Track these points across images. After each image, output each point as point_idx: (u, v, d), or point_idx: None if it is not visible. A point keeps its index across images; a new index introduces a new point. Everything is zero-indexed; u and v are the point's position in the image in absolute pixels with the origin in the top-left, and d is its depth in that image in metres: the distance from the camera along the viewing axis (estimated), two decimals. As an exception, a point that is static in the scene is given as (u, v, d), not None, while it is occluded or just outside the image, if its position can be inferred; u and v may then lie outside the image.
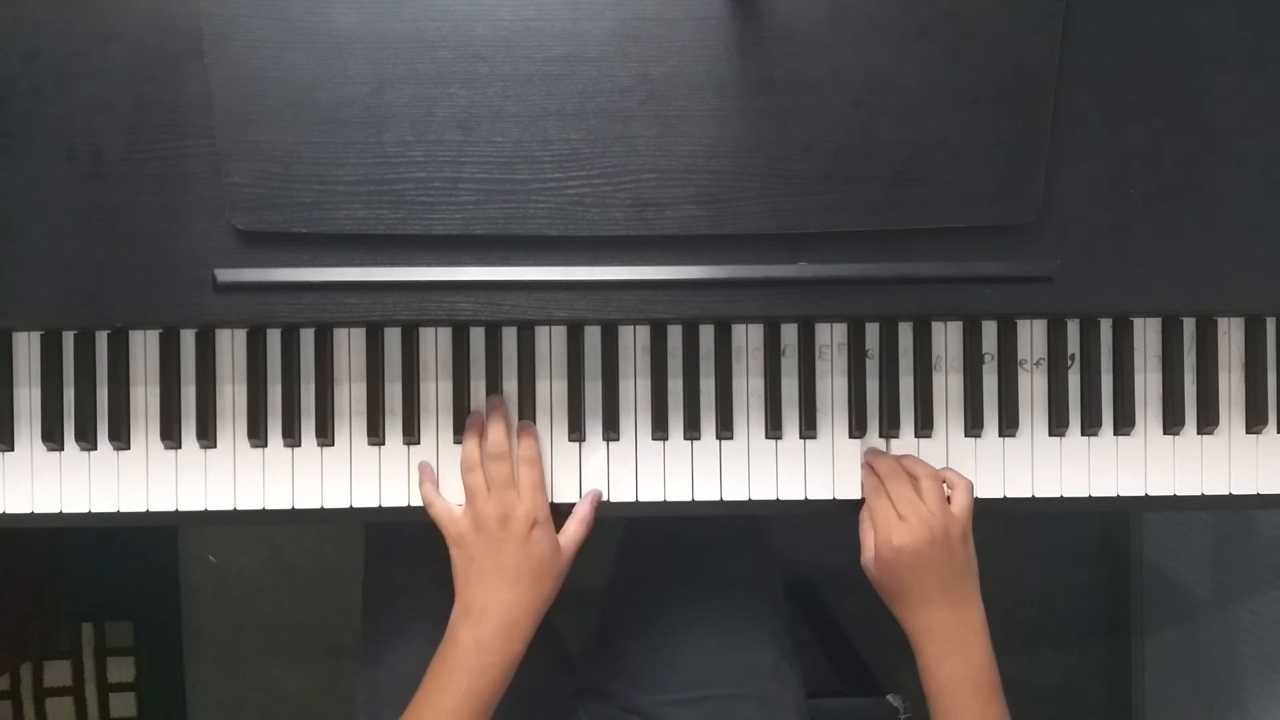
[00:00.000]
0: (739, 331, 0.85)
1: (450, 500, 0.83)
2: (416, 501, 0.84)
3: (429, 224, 0.79)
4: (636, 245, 0.80)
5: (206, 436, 0.84)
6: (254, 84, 0.77)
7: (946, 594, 0.79)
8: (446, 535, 0.81)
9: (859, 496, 0.85)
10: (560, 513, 0.84)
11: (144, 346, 0.85)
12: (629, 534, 1.06)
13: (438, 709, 0.77)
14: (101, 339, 0.85)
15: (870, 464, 0.83)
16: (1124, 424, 0.85)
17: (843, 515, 0.84)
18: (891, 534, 0.79)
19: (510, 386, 0.85)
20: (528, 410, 0.84)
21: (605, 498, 0.85)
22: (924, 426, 0.84)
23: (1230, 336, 0.87)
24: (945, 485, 0.82)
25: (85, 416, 0.84)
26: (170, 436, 0.84)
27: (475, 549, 0.79)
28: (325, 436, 0.84)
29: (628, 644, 0.96)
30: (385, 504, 0.85)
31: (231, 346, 0.85)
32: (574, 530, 0.82)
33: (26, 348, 0.85)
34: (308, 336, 0.85)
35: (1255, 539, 1.22)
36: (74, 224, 0.79)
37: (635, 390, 0.85)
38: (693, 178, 0.78)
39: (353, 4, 0.77)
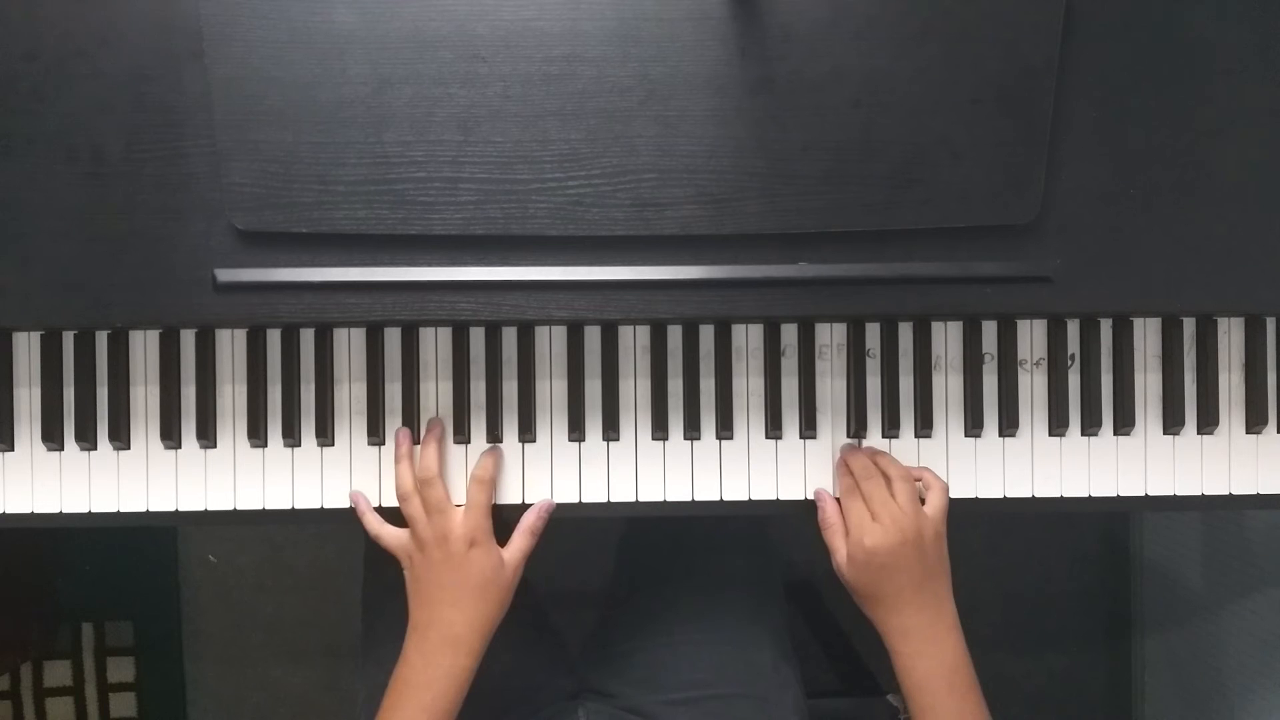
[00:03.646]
0: (739, 331, 0.85)
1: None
2: (416, 501, 0.84)
3: (429, 224, 0.79)
4: (636, 245, 0.80)
5: (206, 436, 0.84)
6: (254, 84, 0.77)
7: (919, 594, 0.79)
8: (399, 558, 0.83)
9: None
10: (560, 513, 0.85)
11: (144, 346, 0.85)
12: (629, 534, 1.06)
13: None
14: (101, 339, 0.85)
15: (845, 461, 0.83)
16: (1124, 424, 0.85)
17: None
18: (864, 535, 0.79)
19: (510, 386, 0.85)
20: (527, 410, 0.84)
21: (606, 498, 0.85)
22: (924, 426, 0.84)
23: (1230, 336, 0.87)
24: (921, 485, 0.82)
25: (85, 416, 0.84)
26: (170, 436, 0.84)
27: (419, 570, 0.81)
28: (325, 436, 0.84)
29: (628, 644, 0.96)
30: (385, 504, 0.85)
31: (231, 346, 0.85)
32: (519, 543, 0.83)
33: (26, 348, 0.85)
34: (308, 336, 0.85)
35: (1254, 539, 1.22)
36: (74, 224, 0.79)
37: (635, 390, 0.85)
38: (693, 178, 0.78)
39: (353, 4, 0.77)
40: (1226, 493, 0.86)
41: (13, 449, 0.85)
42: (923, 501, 0.81)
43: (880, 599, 0.80)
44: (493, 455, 0.83)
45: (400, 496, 0.82)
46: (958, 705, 0.79)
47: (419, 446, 0.83)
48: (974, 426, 0.85)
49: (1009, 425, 0.85)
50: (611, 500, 0.85)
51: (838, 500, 0.83)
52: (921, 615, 0.79)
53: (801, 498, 0.85)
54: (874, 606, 0.81)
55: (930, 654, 0.79)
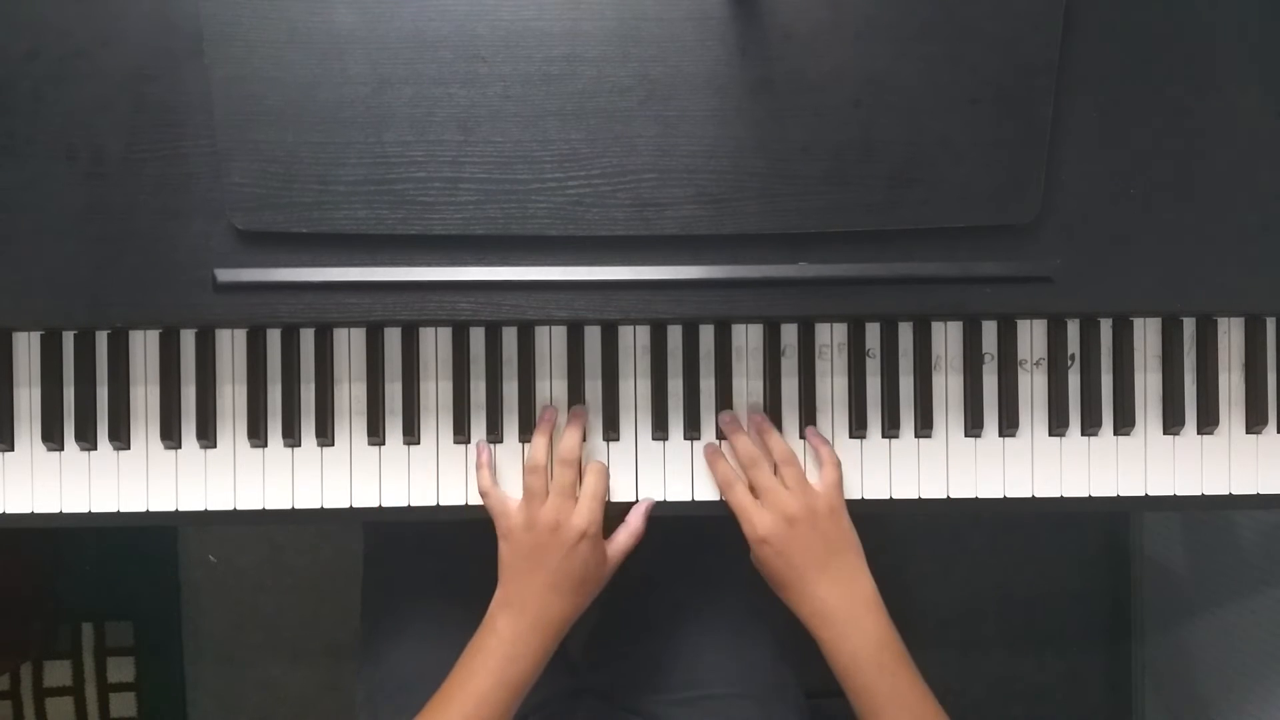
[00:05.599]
0: (739, 331, 0.85)
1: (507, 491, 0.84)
2: (417, 501, 0.84)
3: (429, 224, 0.79)
4: (636, 245, 0.80)
5: (206, 436, 0.84)
6: (254, 84, 0.77)
7: (825, 572, 0.79)
8: (498, 527, 0.82)
9: (857, 496, 0.85)
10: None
11: (144, 346, 0.85)
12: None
13: (469, 692, 0.78)
14: (101, 339, 0.85)
15: (732, 445, 0.83)
16: (1124, 424, 0.85)
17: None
18: (755, 524, 0.80)
19: (510, 387, 0.85)
20: (528, 410, 0.84)
21: (606, 498, 0.85)
22: (924, 426, 0.84)
23: (1230, 336, 0.86)
24: (817, 461, 0.83)
25: (85, 416, 0.84)
26: (170, 436, 0.84)
27: (524, 547, 0.80)
28: (325, 436, 0.84)
29: (627, 643, 0.96)
30: (385, 504, 0.85)
31: (231, 346, 0.85)
32: (623, 541, 0.83)
33: (26, 348, 0.85)
34: (308, 336, 0.85)
35: (1255, 539, 1.22)
36: (74, 224, 0.79)
37: (635, 390, 0.85)
38: (693, 178, 0.78)
39: (353, 4, 0.77)
40: (1226, 493, 0.86)
41: (13, 449, 0.85)
42: None
43: (789, 585, 0.80)
44: (601, 465, 0.83)
45: (528, 467, 0.81)
46: (890, 683, 0.78)
47: (567, 427, 0.83)
48: (974, 426, 0.85)
49: (1009, 425, 0.85)
50: (612, 500, 0.85)
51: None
52: (834, 593, 0.79)
53: (801, 498, 0.85)
54: (787, 595, 0.81)
55: (852, 635, 0.78)
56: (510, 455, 0.85)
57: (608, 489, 0.82)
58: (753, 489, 0.82)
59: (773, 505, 0.80)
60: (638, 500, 0.85)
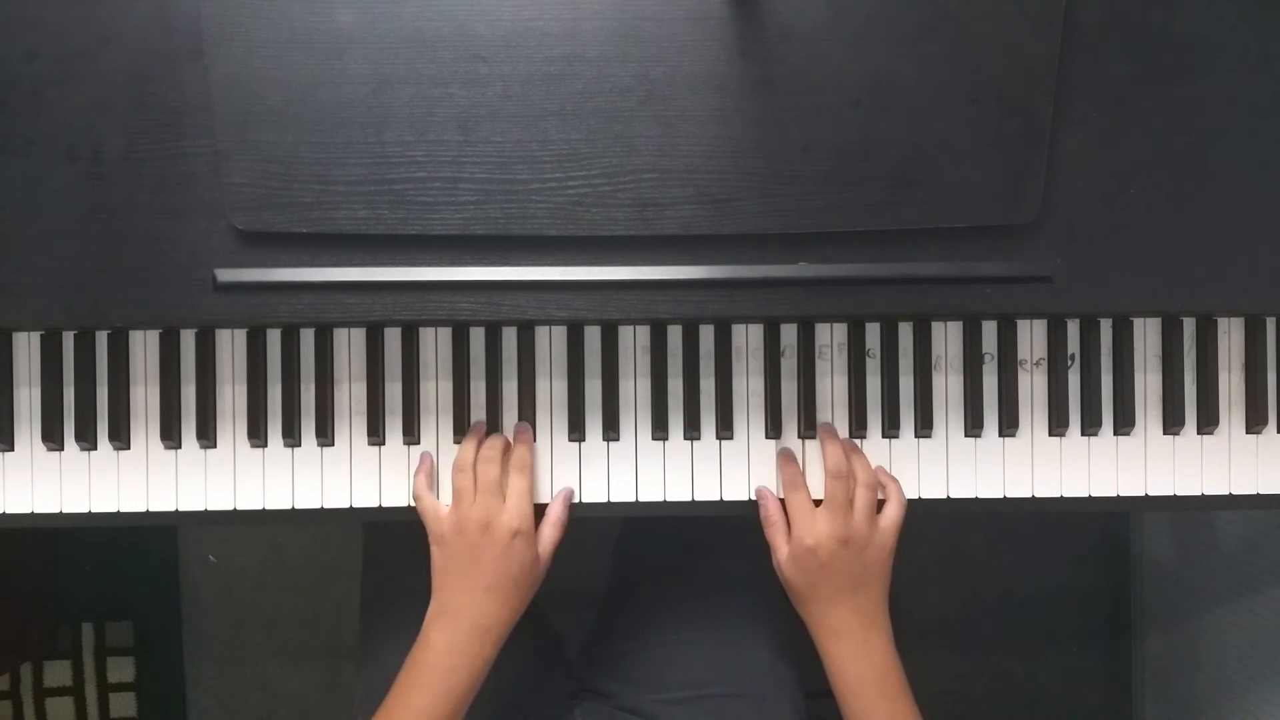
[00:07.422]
0: (739, 331, 0.85)
1: (441, 500, 0.83)
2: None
3: (429, 224, 0.79)
4: (636, 245, 0.80)
5: (206, 436, 0.84)
6: (254, 84, 0.77)
7: (854, 596, 0.80)
8: (430, 533, 0.82)
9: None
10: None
11: (144, 346, 0.85)
12: (627, 533, 1.06)
13: (410, 709, 0.77)
14: (101, 339, 0.85)
15: (823, 447, 0.83)
16: (1124, 424, 0.85)
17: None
18: (806, 533, 0.80)
19: (510, 386, 0.85)
20: (528, 410, 0.84)
21: (606, 498, 0.85)
22: (924, 426, 0.84)
23: (1230, 336, 0.87)
24: (882, 489, 0.83)
25: (85, 416, 0.84)
26: (170, 436, 0.84)
27: (455, 551, 0.80)
28: (325, 436, 0.84)
29: (625, 643, 0.96)
30: (385, 504, 0.85)
31: (231, 346, 0.85)
32: (549, 535, 0.82)
33: (26, 348, 0.85)
34: (308, 336, 0.85)
35: (1255, 539, 1.22)
36: (74, 224, 0.79)
37: (635, 390, 0.85)
38: (693, 178, 0.78)
39: (353, 4, 0.77)
40: (1226, 493, 0.86)
41: (13, 449, 0.85)
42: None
43: (815, 598, 0.80)
44: (527, 443, 0.82)
45: (456, 467, 0.81)
46: (889, 708, 0.79)
47: (489, 434, 0.83)
48: (974, 426, 0.85)
49: (1009, 425, 0.85)
50: (611, 500, 0.85)
51: (781, 500, 0.83)
52: (854, 618, 0.80)
53: (801, 498, 0.85)
54: (809, 605, 0.81)
55: (861, 657, 0.80)
56: (510, 455, 0.85)
57: (532, 484, 0.81)
58: (826, 497, 0.81)
59: (835, 520, 0.80)
60: (637, 500, 0.85)
